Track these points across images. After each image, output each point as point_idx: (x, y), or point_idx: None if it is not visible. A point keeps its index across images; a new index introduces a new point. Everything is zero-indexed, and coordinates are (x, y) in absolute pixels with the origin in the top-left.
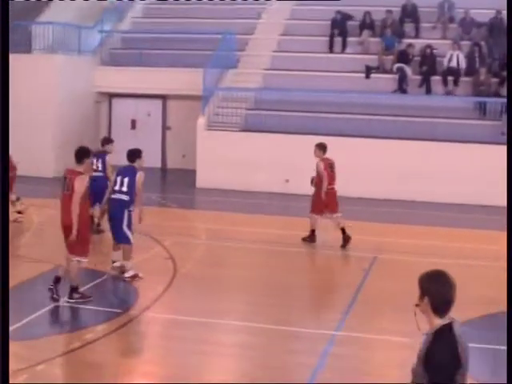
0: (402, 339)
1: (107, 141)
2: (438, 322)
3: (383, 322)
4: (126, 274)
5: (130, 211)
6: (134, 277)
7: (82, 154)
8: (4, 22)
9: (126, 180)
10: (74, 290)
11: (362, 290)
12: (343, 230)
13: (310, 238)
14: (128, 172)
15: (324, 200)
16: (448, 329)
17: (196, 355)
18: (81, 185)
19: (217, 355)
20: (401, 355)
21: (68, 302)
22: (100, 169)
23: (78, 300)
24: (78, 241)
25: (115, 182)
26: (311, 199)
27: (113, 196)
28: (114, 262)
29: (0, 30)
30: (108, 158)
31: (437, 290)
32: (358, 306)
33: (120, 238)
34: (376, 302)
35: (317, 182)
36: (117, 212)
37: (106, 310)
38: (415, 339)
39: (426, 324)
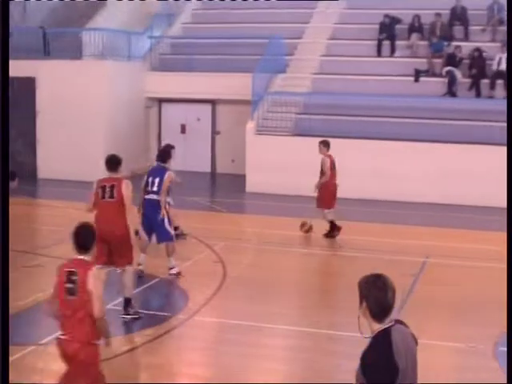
0: (452, 344)
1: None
2: (377, 326)
3: (433, 327)
4: (172, 271)
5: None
6: (179, 274)
7: (115, 162)
8: (4, 22)
9: (157, 180)
10: (128, 302)
11: (411, 295)
12: (333, 223)
13: (334, 230)
14: (159, 172)
15: (329, 195)
16: (384, 334)
17: (244, 358)
18: (129, 190)
19: (265, 358)
20: (449, 360)
21: (124, 317)
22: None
23: (133, 316)
24: (129, 248)
25: (147, 183)
26: (319, 195)
27: (146, 197)
28: (171, 268)
29: (0, 30)
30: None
31: (374, 294)
32: (407, 311)
33: (162, 237)
34: (425, 306)
35: (333, 175)
36: (152, 212)
37: (156, 313)
38: (466, 344)
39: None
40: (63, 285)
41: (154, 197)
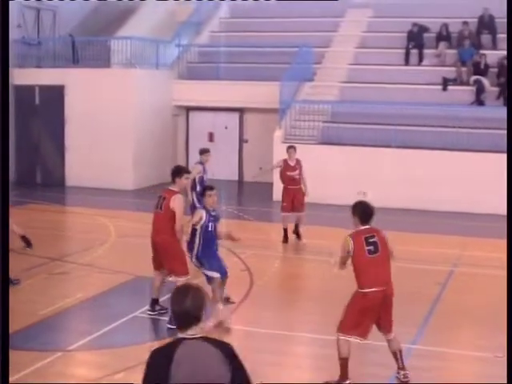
0: (480, 353)
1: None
2: (180, 335)
3: (460, 336)
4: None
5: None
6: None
7: (173, 173)
8: (4, 22)
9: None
10: (154, 301)
11: (438, 304)
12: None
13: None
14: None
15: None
16: (172, 343)
17: (271, 366)
18: (179, 204)
19: (292, 367)
20: (478, 369)
21: (149, 313)
22: None
23: (160, 311)
24: (172, 259)
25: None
26: (297, 196)
27: None
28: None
29: (0, 30)
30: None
31: (173, 304)
32: (435, 320)
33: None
34: (453, 315)
35: (301, 178)
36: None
37: None
38: (493, 353)
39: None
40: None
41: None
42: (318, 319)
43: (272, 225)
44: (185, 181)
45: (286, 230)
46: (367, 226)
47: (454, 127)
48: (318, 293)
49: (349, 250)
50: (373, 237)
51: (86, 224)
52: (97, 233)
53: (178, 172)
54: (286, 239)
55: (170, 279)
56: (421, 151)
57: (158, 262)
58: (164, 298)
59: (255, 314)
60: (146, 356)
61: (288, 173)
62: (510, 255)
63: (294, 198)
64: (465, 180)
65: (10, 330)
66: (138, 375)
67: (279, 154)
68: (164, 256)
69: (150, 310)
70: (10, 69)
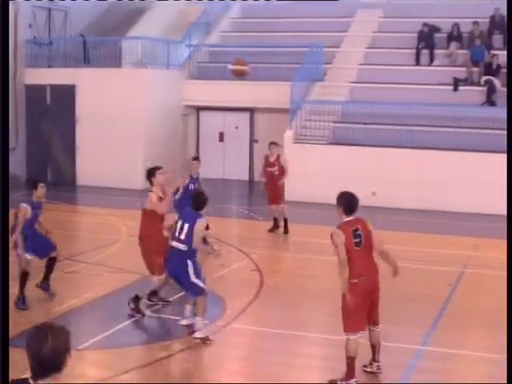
0: (490, 355)
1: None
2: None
3: (470, 338)
4: (197, 334)
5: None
6: (205, 339)
7: (148, 176)
8: (4, 22)
9: (186, 226)
10: (153, 293)
11: (448, 305)
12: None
13: (285, 227)
14: (191, 218)
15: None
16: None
17: (281, 367)
18: (149, 201)
19: (301, 367)
20: (488, 371)
21: (148, 304)
22: None
23: (158, 302)
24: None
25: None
26: (276, 190)
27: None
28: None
29: (0, 30)
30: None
31: (28, 348)
32: (445, 321)
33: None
34: (463, 316)
35: (281, 174)
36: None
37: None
38: (504, 355)
39: None
40: None
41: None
42: (327, 320)
43: (283, 225)
44: (160, 176)
45: (275, 220)
46: (351, 218)
47: (465, 128)
48: (328, 293)
49: (343, 242)
50: (358, 229)
51: (97, 223)
52: (107, 232)
53: (150, 173)
54: (273, 229)
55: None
56: (431, 152)
57: None
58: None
59: (265, 314)
60: (154, 356)
61: (268, 169)
62: (510, 255)
63: (273, 192)
64: (476, 181)
65: (21, 329)
66: (146, 375)
67: (290, 154)
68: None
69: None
70: (22, 69)
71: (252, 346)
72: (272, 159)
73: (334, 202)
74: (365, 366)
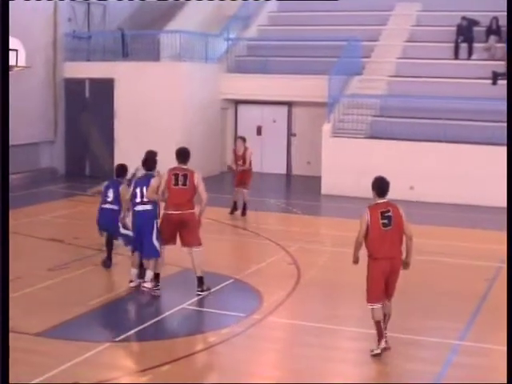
0: None
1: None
2: None
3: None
4: (146, 284)
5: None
6: (152, 289)
7: (187, 156)
8: (4, 22)
9: (145, 190)
10: (201, 280)
11: (486, 300)
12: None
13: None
14: (146, 181)
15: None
16: None
17: (316, 360)
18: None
19: (337, 361)
20: None
21: (199, 294)
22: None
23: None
24: (197, 231)
25: (135, 194)
26: (243, 177)
27: (136, 208)
28: (131, 281)
29: (0, 30)
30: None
31: None
32: (482, 316)
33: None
34: (500, 312)
35: (244, 163)
36: (145, 224)
37: (230, 313)
38: None
39: None
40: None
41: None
42: (363, 314)
43: (320, 218)
44: None
45: (235, 203)
46: (384, 200)
47: (504, 122)
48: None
49: (367, 221)
50: (388, 211)
51: None
52: None
53: (189, 154)
54: (232, 211)
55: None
56: (469, 146)
57: (174, 236)
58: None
59: (301, 308)
60: (193, 348)
61: (237, 162)
62: (510, 252)
63: (240, 177)
64: None
65: (60, 320)
66: (185, 367)
67: (327, 147)
68: (189, 228)
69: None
70: (61, 62)
71: (288, 339)
72: (240, 153)
73: (372, 195)
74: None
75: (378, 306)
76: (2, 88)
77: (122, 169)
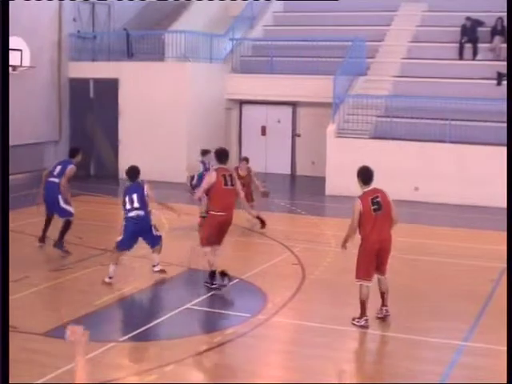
0: None
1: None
2: None
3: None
4: (156, 268)
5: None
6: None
7: (226, 156)
8: (4, 23)
9: (135, 196)
10: (213, 273)
11: (491, 301)
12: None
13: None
14: (136, 189)
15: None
16: None
17: (321, 360)
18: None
19: (342, 361)
20: None
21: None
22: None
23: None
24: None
25: (125, 202)
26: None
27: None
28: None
29: (0, 30)
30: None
31: None
32: (487, 317)
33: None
34: (505, 312)
35: (244, 185)
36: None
37: (235, 313)
38: None
39: None
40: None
41: (141, 213)
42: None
43: (325, 219)
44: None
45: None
46: (371, 188)
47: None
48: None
49: (360, 210)
50: (377, 197)
51: None
52: None
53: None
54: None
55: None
56: (474, 146)
57: (220, 238)
58: None
59: (306, 308)
60: (197, 348)
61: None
62: (510, 251)
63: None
64: None
65: (65, 320)
66: (189, 368)
67: (332, 148)
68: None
69: (209, 283)
70: (66, 62)
71: (293, 339)
72: (242, 175)
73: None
74: (377, 313)
75: (366, 283)
76: (1, 88)
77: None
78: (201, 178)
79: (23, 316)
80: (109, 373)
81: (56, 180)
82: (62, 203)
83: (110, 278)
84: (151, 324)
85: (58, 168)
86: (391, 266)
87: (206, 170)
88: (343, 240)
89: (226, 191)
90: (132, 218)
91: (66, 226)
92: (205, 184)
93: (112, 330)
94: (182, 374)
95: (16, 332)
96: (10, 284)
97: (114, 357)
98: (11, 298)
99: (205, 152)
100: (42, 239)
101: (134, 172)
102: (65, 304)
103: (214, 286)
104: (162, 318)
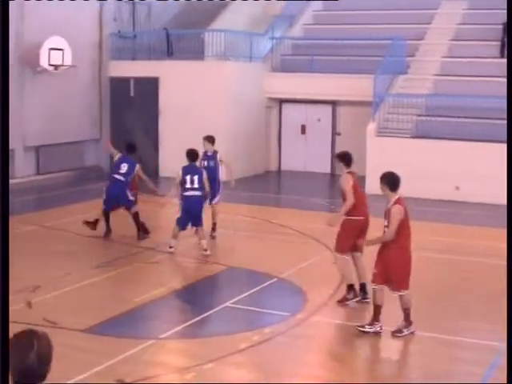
0: None
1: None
2: None
3: None
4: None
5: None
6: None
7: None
8: (4, 23)
9: (196, 178)
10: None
11: None
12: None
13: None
14: (196, 170)
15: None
16: None
17: (360, 360)
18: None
19: (381, 361)
20: None
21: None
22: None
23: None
24: None
25: (185, 181)
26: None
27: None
28: (205, 250)
29: (0, 30)
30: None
31: (13, 357)
32: None
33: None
34: None
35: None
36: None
37: (274, 312)
38: None
39: None
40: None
41: (197, 193)
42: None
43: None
44: None
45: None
46: (399, 194)
47: None
48: (411, 286)
49: (401, 218)
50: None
51: None
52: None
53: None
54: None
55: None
56: None
57: (360, 244)
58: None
59: (346, 308)
60: (236, 347)
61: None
62: (510, 250)
63: None
64: None
65: (105, 317)
66: (228, 366)
67: (372, 147)
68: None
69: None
70: (106, 61)
71: (332, 339)
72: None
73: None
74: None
75: (378, 287)
76: (2, 88)
77: (196, 153)
78: (213, 170)
79: (64, 312)
80: (148, 370)
81: (122, 178)
82: (129, 196)
83: (171, 247)
84: (191, 322)
85: (125, 167)
86: (427, 265)
87: (208, 159)
88: (374, 240)
89: (363, 195)
90: (189, 196)
91: (137, 216)
92: (348, 187)
93: (152, 328)
94: (220, 373)
95: (56, 328)
96: (53, 280)
97: (153, 354)
98: (54, 294)
99: (210, 139)
100: (107, 234)
101: (194, 154)
102: (105, 301)
103: (366, 299)
104: (202, 316)
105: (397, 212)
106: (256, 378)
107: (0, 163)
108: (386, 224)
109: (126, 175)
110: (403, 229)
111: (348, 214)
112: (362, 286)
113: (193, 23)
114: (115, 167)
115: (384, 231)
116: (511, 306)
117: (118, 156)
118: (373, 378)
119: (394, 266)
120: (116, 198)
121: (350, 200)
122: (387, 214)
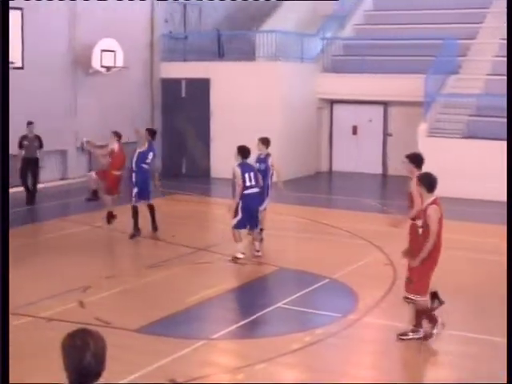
0: None
1: None
2: None
3: None
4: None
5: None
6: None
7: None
8: (4, 22)
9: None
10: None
11: None
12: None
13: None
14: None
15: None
16: None
17: (411, 362)
18: None
19: (433, 363)
20: None
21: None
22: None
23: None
24: None
25: (244, 179)
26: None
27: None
28: (257, 251)
29: (0, 30)
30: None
31: (68, 358)
32: None
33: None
34: None
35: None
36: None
37: (326, 313)
38: None
39: None
40: None
41: (255, 190)
42: (456, 316)
43: None
44: None
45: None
46: (434, 196)
47: None
48: (460, 289)
49: (439, 218)
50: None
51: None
52: None
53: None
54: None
55: None
56: None
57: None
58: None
59: (398, 309)
60: (287, 347)
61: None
62: (510, 250)
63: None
64: None
65: (157, 317)
66: (279, 366)
67: (424, 147)
68: None
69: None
70: (158, 63)
71: (384, 340)
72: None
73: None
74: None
75: (425, 298)
76: (2, 88)
77: (248, 149)
78: (263, 174)
79: (116, 312)
80: (199, 370)
81: (148, 168)
82: (151, 187)
83: (243, 253)
84: (242, 322)
85: (151, 156)
86: (467, 267)
87: (260, 162)
88: (421, 254)
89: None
90: (249, 194)
91: (153, 209)
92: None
93: (203, 328)
94: (271, 373)
95: (108, 328)
96: (104, 280)
97: (204, 354)
98: (105, 294)
99: (265, 141)
100: (136, 233)
101: (247, 150)
102: (156, 301)
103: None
104: (254, 317)
105: (433, 213)
106: (307, 379)
107: (0, 163)
108: (421, 224)
109: (150, 165)
110: (439, 232)
111: (414, 219)
112: (434, 295)
113: (244, 24)
114: (142, 156)
115: (417, 231)
116: (511, 305)
117: (146, 145)
118: (424, 378)
119: (418, 268)
120: (146, 189)
121: (418, 205)
122: (423, 215)
